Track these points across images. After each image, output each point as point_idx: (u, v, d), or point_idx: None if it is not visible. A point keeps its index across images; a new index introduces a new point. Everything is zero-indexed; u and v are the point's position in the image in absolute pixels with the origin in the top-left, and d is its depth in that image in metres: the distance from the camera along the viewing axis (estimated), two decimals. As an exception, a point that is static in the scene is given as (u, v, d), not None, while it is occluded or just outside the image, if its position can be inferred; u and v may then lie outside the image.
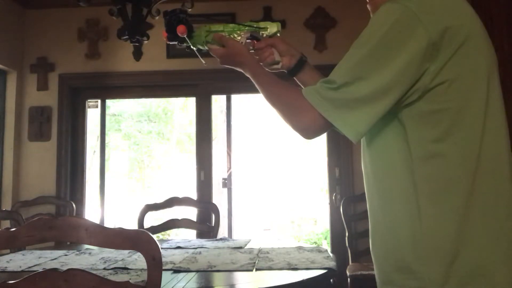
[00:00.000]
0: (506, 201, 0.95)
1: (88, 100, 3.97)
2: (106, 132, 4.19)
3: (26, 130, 3.75)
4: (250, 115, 7.06)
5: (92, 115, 4.06)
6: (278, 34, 1.34)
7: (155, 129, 7.79)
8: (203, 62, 1.36)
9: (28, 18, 3.87)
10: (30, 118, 3.76)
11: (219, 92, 3.97)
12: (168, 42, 1.33)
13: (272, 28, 1.33)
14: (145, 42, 2.42)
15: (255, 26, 1.32)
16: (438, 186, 0.93)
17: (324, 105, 0.98)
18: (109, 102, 4.73)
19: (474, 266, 0.91)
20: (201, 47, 1.32)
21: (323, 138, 3.78)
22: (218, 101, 5.34)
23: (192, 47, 1.31)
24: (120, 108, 7.51)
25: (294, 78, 1.37)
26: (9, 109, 3.72)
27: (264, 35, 1.33)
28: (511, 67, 2.23)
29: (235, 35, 1.31)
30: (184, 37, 1.28)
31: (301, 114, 1.02)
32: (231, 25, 1.32)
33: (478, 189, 0.92)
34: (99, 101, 4.00)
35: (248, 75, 1.22)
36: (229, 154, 3.96)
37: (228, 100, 3.97)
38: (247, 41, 1.32)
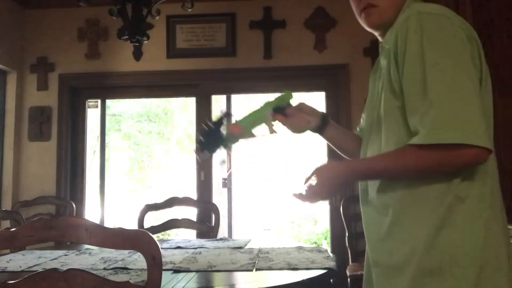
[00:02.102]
0: (500, 203, 1.02)
1: (88, 100, 3.97)
2: (106, 132, 4.19)
3: (26, 130, 3.75)
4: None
5: (92, 115, 4.06)
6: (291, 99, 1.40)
7: (155, 129, 7.78)
8: (228, 152, 1.39)
9: (28, 18, 3.87)
10: (30, 118, 3.76)
11: (219, 92, 3.97)
12: (201, 157, 1.30)
13: (289, 95, 1.39)
14: (145, 42, 2.43)
15: (275, 99, 1.37)
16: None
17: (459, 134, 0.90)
18: (109, 102, 4.72)
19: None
20: (233, 144, 1.34)
21: (322, 138, 3.77)
22: (218, 101, 5.33)
23: (225, 148, 1.32)
24: (120, 108, 7.50)
25: (320, 135, 1.41)
26: (9, 109, 3.72)
27: (289, 103, 1.37)
28: (511, 67, 2.23)
29: (264, 112, 1.33)
30: (218, 146, 1.28)
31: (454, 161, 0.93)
32: (253, 111, 1.36)
33: (493, 195, 0.98)
34: (99, 101, 4.00)
35: (359, 175, 1.10)
36: (229, 154, 3.96)
37: (228, 100, 3.97)
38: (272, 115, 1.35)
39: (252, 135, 1.34)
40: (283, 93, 1.39)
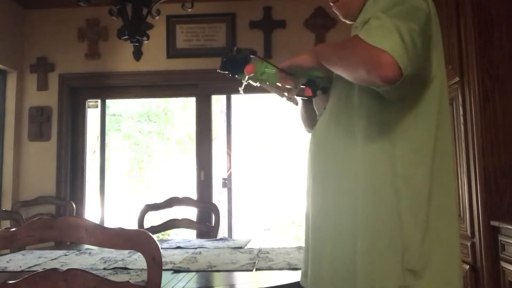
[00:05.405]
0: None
1: (88, 100, 3.97)
2: (106, 132, 4.19)
3: (26, 130, 3.75)
4: (250, 115, 7.06)
5: (92, 115, 4.05)
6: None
7: (155, 129, 7.78)
8: (241, 91, 1.25)
9: (28, 18, 3.87)
10: (30, 118, 3.76)
11: (219, 92, 3.97)
12: (220, 70, 1.28)
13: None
14: (145, 42, 2.43)
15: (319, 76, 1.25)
16: None
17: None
18: (109, 102, 4.72)
19: None
20: (252, 83, 1.25)
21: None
22: (218, 101, 5.34)
23: (242, 80, 1.25)
24: (120, 108, 7.49)
25: None
26: (9, 109, 3.72)
27: (327, 88, 1.24)
28: (511, 67, 2.23)
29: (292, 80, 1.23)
30: (235, 74, 1.24)
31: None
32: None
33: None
34: (99, 101, 4.00)
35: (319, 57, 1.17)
36: (229, 154, 3.96)
37: (228, 100, 3.97)
38: (302, 87, 1.24)
39: (266, 84, 1.24)
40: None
